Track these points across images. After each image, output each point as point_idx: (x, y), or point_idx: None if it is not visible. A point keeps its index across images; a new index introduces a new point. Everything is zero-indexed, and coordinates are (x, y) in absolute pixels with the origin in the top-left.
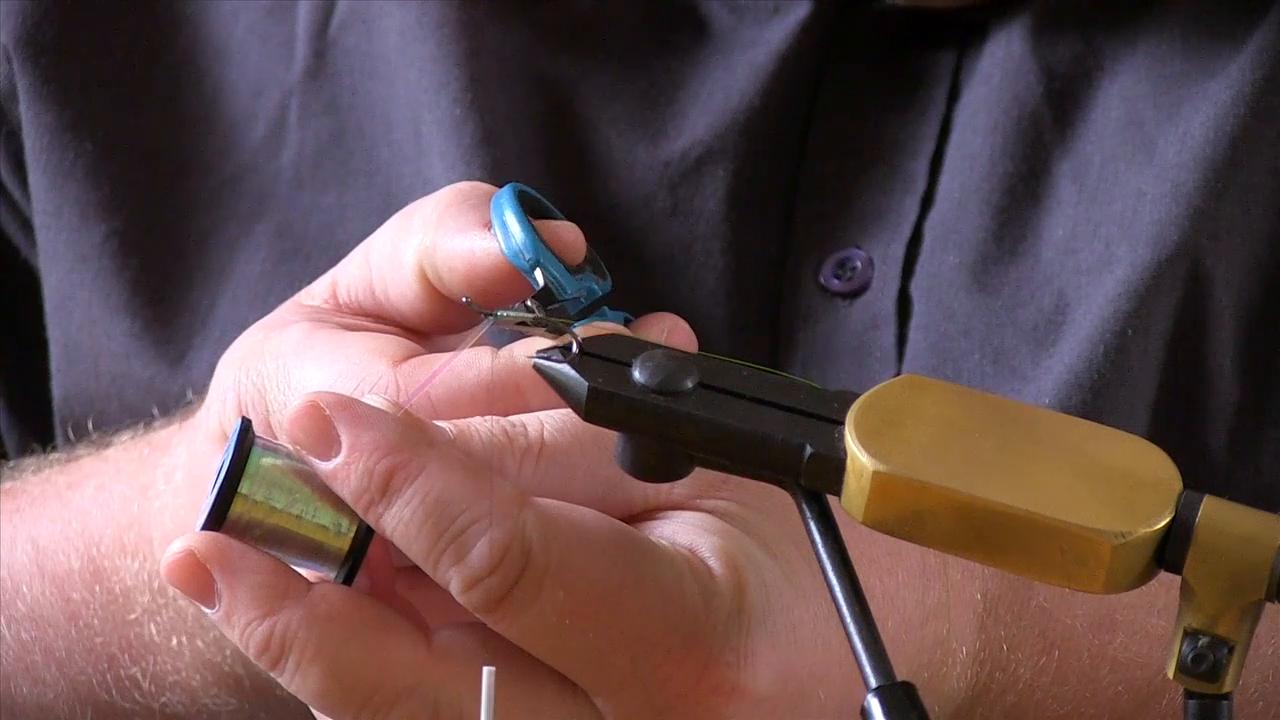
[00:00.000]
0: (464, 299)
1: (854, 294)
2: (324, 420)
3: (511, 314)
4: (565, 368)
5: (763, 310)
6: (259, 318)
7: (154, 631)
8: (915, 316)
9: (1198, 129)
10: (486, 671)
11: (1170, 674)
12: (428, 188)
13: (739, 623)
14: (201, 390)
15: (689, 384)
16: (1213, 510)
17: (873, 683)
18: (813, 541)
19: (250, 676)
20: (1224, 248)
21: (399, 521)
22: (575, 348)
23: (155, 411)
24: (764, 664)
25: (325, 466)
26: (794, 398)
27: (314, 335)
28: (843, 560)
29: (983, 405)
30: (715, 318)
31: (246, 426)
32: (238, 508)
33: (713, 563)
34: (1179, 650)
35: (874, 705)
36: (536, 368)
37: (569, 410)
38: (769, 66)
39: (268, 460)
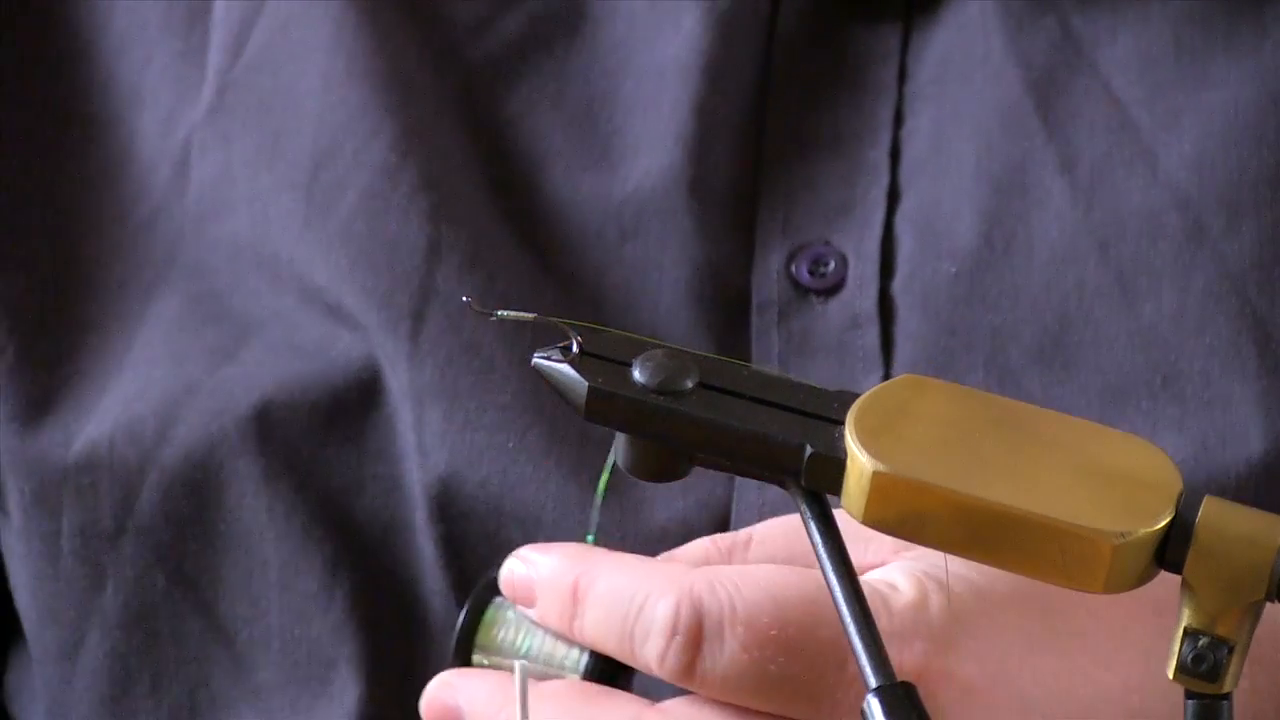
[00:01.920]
0: (464, 299)
1: (829, 291)
2: (525, 567)
3: (512, 313)
4: (565, 367)
5: (731, 312)
6: (173, 361)
7: None
8: (903, 323)
9: (1210, 156)
10: (519, 665)
11: (1170, 674)
12: (313, 216)
13: (927, 618)
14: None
15: (689, 384)
16: (1213, 510)
17: (872, 683)
18: (813, 542)
19: None
20: (1257, 280)
21: (594, 624)
22: (575, 347)
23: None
24: (966, 651)
25: (534, 609)
26: (794, 398)
27: None
28: (843, 560)
29: (983, 405)
30: (681, 327)
31: (489, 584)
32: (477, 655)
33: (897, 577)
34: (1179, 650)
35: (874, 705)
36: (536, 367)
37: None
38: (702, 62)
39: (502, 612)
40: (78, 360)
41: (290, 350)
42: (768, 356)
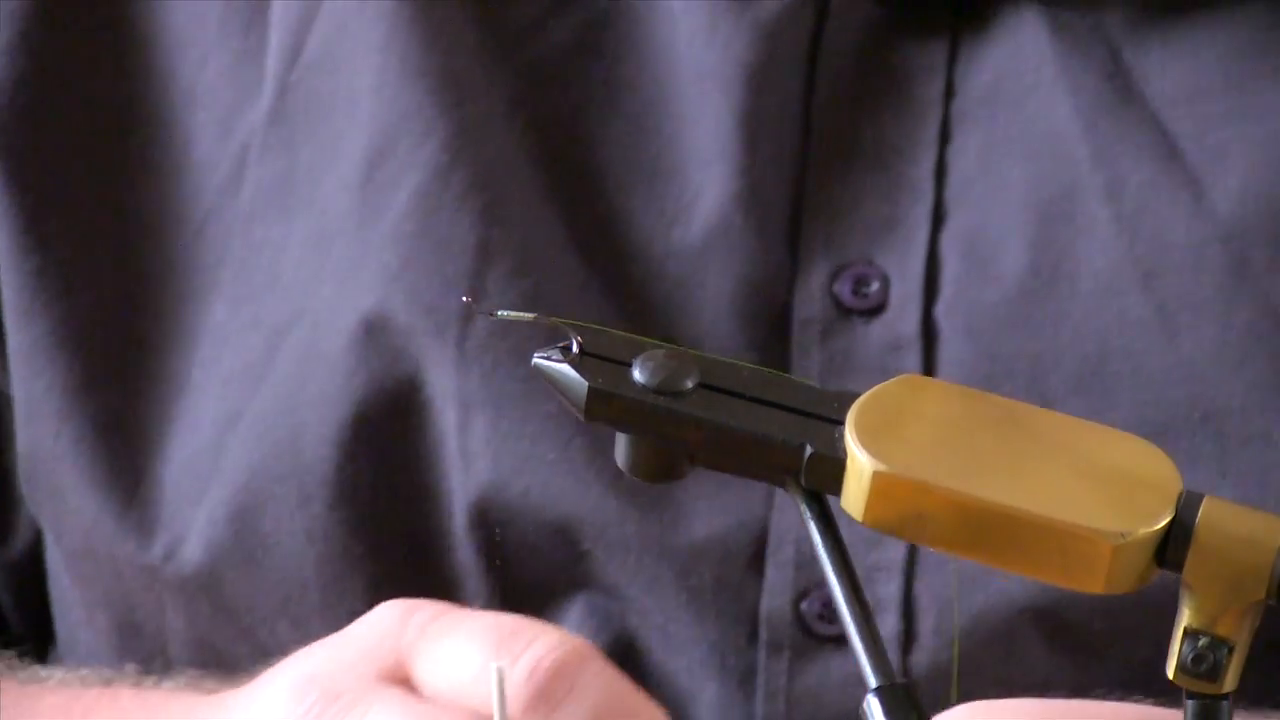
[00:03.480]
0: (464, 298)
1: (871, 312)
2: None
3: (512, 313)
4: (565, 367)
5: (773, 328)
6: (220, 376)
7: None
8: (947, 348)
9: (1256, 190)
10: (493, 668)
11: (1170, 674)
12: (369, 217)
13: None
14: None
15: (689, 384)
16: (1213, 510)
17: (872, 683)
18: (812, 542)
19: None
20: None
21: None
22: (575, 347)
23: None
24: None
25: None
26: (794, 398)
27: None
28: (843, 560)
29: (983, 405)
30: (721, 342)
31: None
32: None
33: None
34: (1179, 650)
35: (874, 705)
36: (536, 367)
37: None
38: (744, 73)
39: None
40: (139, 384)
41: (321, 361)
42: (808, 376)
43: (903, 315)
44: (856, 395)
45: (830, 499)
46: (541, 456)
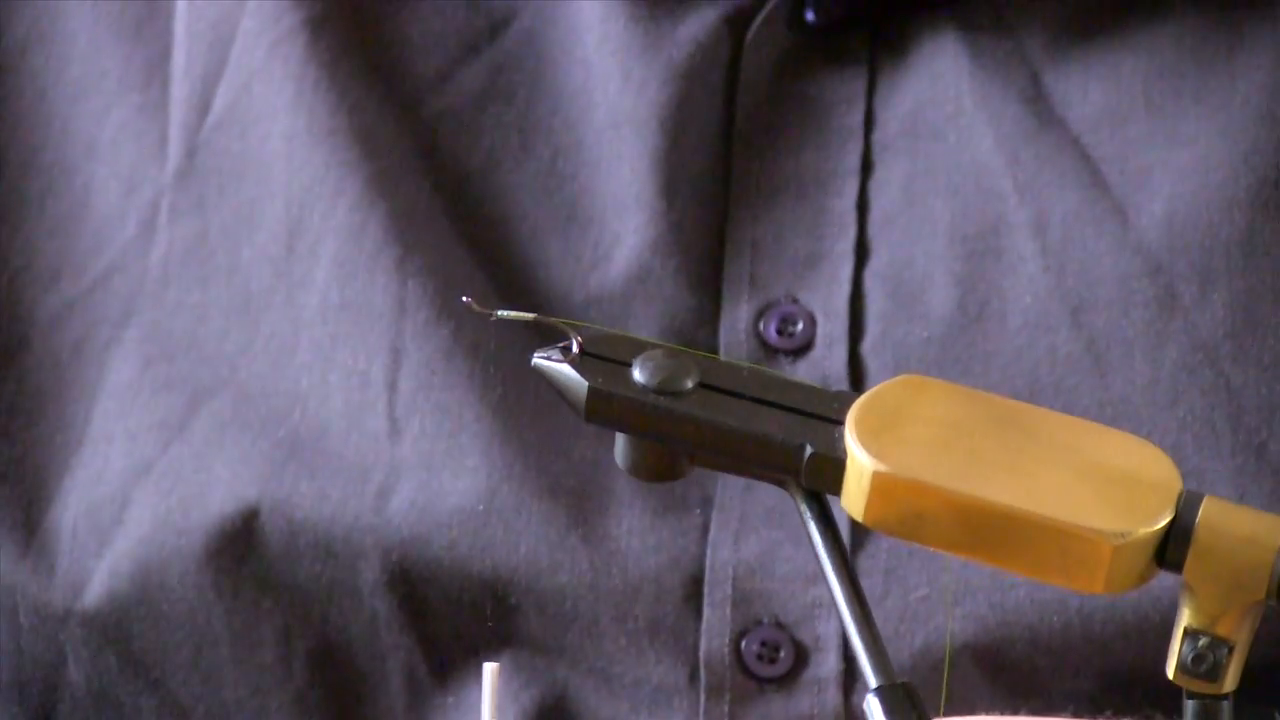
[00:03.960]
0: (464, 298)
1: (797, 351)
2: None
3: (512, 313)
4: (565, 367)
5: None
6: (127, 429)
7: None
8: (873, 385)
9: (1181, 218)
10: (488, 668)
11: (1170, 674)
12: (295, 290)
13: None
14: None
15: (689, 384)
16: (1213, 510)
17: (873, 683)
18: (812, 542)
19: None
20: (1230, 351)
21: None
22: (575, 348)
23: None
24: None
25: None
26: (794, 398)
27: None
28: (843, 560)
29: (983, 405)
30: None
31: None
32: None
33: None
34: (1179, 650)
35: (874, 705)
36: (536, 367)
37: None
38: (659, 115)
39: None
40: (34, 431)
41: (238, 425)
42: None
43: (829, 354)
44: (856, 395)
45: (830, 499)
46: (469, 510)
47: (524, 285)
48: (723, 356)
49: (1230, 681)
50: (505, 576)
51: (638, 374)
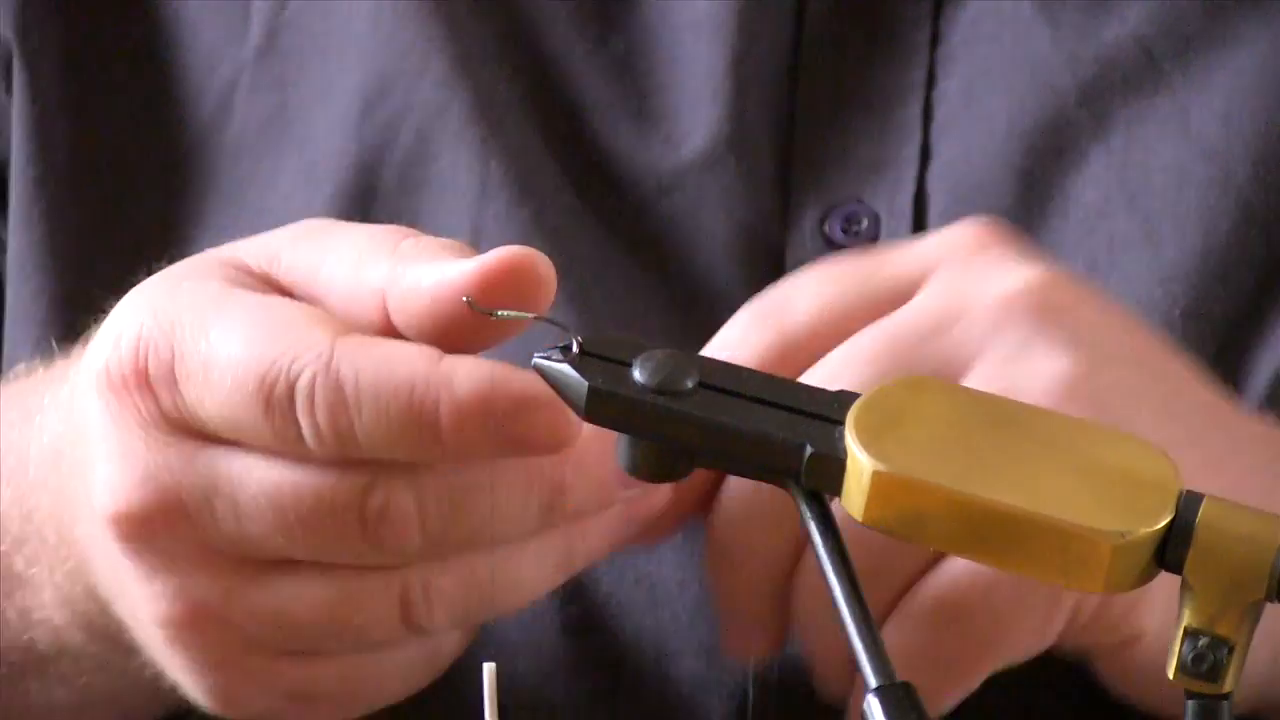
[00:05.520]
0: (464, 298)
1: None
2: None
3: (512, 313)
4: (565, 367)
5: (766, 268)
6: None
7: (20, 563)
8: None
9: (1239, 112)
10: (488, 668)
11: (1170, 674)
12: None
13: None
14: None
15: (689, 384)
16: (1213, 510)
17: (873, 683)
18: (812, 542)
19: (99, 614)
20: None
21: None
22: (575, 347)
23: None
24: None
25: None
26: (794, 398)
27: (241, 293)
28: (843, 560)
29: (983, 405)
30: (718, 282)
31: None
32: None
33: None
34: (1179, 650)
35: (874, 705)
36: (536, 367)
37: None
38: (736, 20)
39: None
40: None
41: None
42: None
43: None
44: (856, 395)
45: (830, 499)
46: None
47: (596, 172)
48: (789, 256)
49: (1230, 681)
50: None
51: (638, 374)
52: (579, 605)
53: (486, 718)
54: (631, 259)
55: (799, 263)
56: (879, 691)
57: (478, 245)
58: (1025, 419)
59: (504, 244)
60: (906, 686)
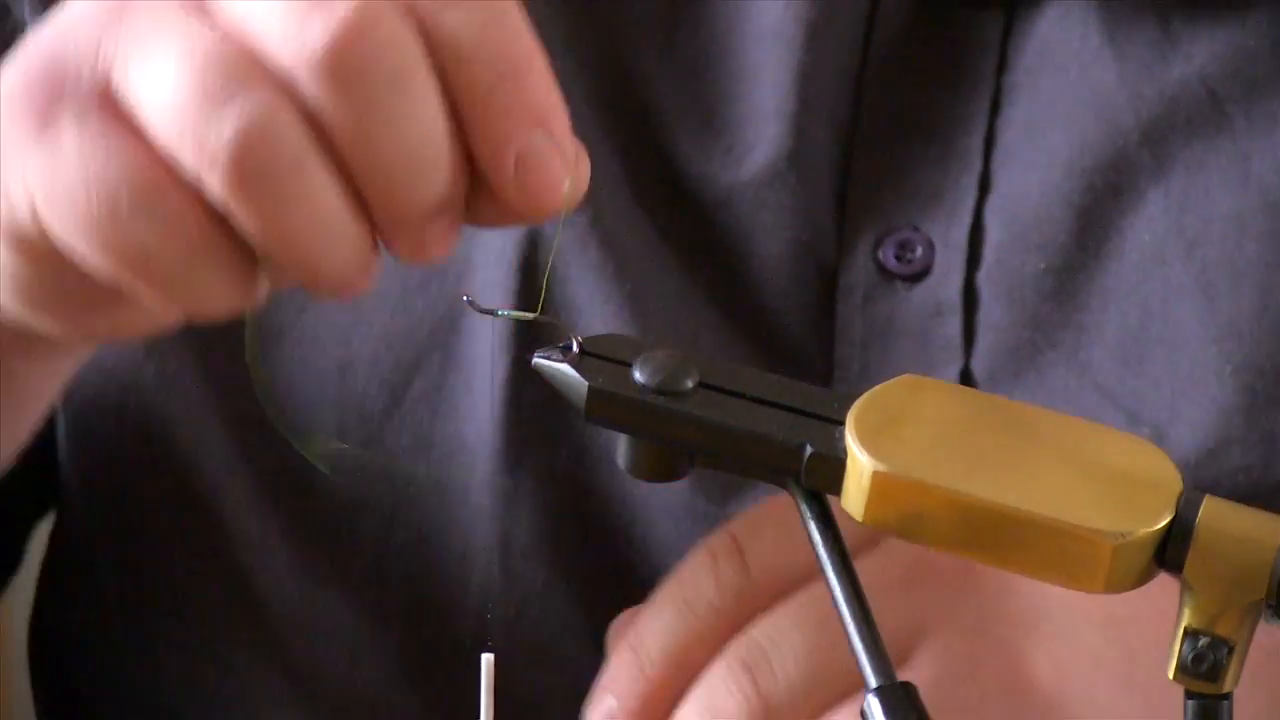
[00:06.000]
0: (464, 297)
1: (914, 277)
2: None
3: (512, 313)
4: (565, 367)
5: (818, 289)
6: None
7: None
8: (986, 313)
9: None
10: (485, 659)
11: (1170, 674)
12: None
13: None
14: None
15: (689, 384)
16: (1213, 510)
17: (873, 683)
18: (812, 542)
19: (39, 236)
20: None
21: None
22: (575, 347)
23: None
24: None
25: None
26: (794, 398)
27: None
28: (843, 560)
29: (983, 405)
30: (768, 297)
31: None
32: None
33: None
34: (1179, 650)
35: (874, 705)
36: (536, 367)
37: None
38: (805, 32)
39: None
40: None
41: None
42: (850, 339)
43: (945, 281)
44: (856, 395)
45: (830, 499)
46: None
47: (657, 176)
48: (841, 280)
49: (1230, 681)
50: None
51: (638, 374)
52: None
53: (483, 708)
54: (684, 266)
55: (851, 286)
56: (879, 691)
57: (532, 238)
58: (1026, 419)
59: (559, 240)
60: (907, 686)
